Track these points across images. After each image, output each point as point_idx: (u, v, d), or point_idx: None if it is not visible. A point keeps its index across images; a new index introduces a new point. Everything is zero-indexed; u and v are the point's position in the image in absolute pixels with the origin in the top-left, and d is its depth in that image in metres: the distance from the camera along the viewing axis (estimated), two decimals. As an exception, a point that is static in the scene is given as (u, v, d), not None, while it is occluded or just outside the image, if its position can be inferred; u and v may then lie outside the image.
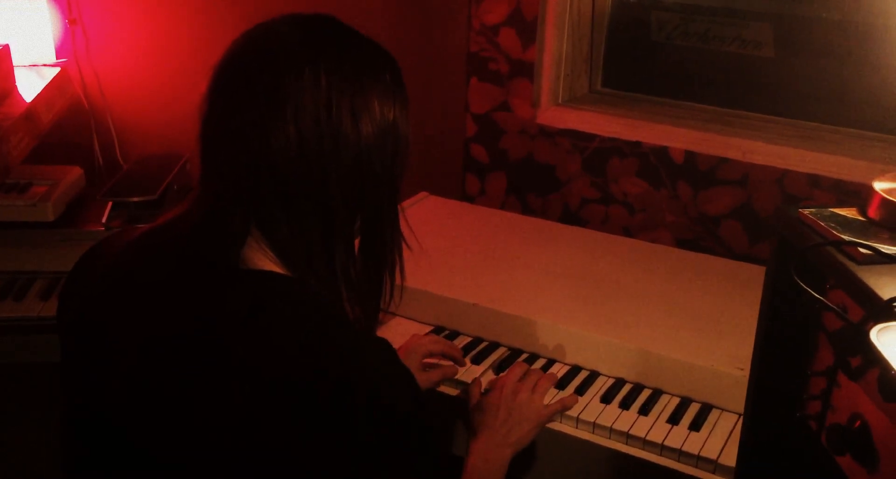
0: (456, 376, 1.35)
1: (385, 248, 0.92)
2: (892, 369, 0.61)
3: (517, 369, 1.27)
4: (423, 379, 1.29)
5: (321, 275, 0.86)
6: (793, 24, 1.82)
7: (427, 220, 1.82)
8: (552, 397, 1.30)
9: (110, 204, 1.84)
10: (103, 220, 1.82)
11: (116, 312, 0.87)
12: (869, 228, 0.84)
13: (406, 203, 1.88)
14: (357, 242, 0.91)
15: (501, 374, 1.31)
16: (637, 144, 1.86)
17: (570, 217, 1.99)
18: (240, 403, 0.78)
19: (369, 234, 0.91)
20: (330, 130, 0.83)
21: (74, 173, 1.95)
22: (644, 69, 2.03)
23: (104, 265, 0.91)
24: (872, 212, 0.86)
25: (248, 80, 0.84)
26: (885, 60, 1.71)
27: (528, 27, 1.92)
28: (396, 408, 0.80)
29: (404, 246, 0.94)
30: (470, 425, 1.19)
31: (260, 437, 0.78)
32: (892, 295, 0.72)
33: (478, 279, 1.54)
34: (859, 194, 0.88)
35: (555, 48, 1.93)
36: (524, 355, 1.41)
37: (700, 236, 1.85)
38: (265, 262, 0.85)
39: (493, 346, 1.44)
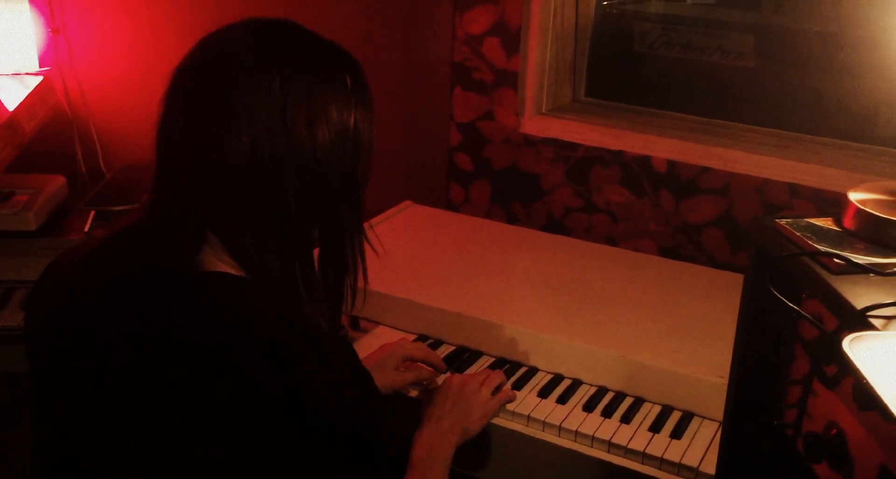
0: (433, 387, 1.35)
1: (345, 253, 0.91)
2: (863, 378, 0.61)
3: (471, 375, 1.28)
4: (397, 379, 1.29)
5: (278, 279, 0.86)
6: (773, 35, 1.84)
7: (411, 228, 1.82)
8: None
9: (93, 213, 1.84)
10: (86, 229, 1.81)
11: (80, 321, 0.87)
12: (844, 238, 0.85)
13: (390, 212, 1.88)
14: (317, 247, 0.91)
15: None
16: (620, 153, 1.88)
17: (554, 226, 2.00)
18: (195, 399, 0.78)
19: (329, 239, 0.91)
20: (284, 137, 0.82)
21: (57, 182, 1.95)
22: (627, 79, 2.04)
23: (66, 276, 0.91)
24: (848, 222, 0.87)
25: (202, 87, 0.84)
26: (863, 70, 1.73)
27: (512, 37, 1.93)
28: (348, 407, 0.81)
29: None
30: (417, 416, 1.19)
31: (212, 432, 0.79)
32: (866, 304, 0.73)
33: (462, 288, 1.55)
34: (838, 203, 0.89)
35: (538, 58, 1.94)
36: (507, 365, 1.41)
37: (682, 245, 1.86)
38: (223, 266, 0.85)
39: (477, 355, 1.44)
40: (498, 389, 1.28)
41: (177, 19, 2.03)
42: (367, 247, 0.95)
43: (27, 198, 1.85)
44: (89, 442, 0.86)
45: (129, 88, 2.09)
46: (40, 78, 2.01)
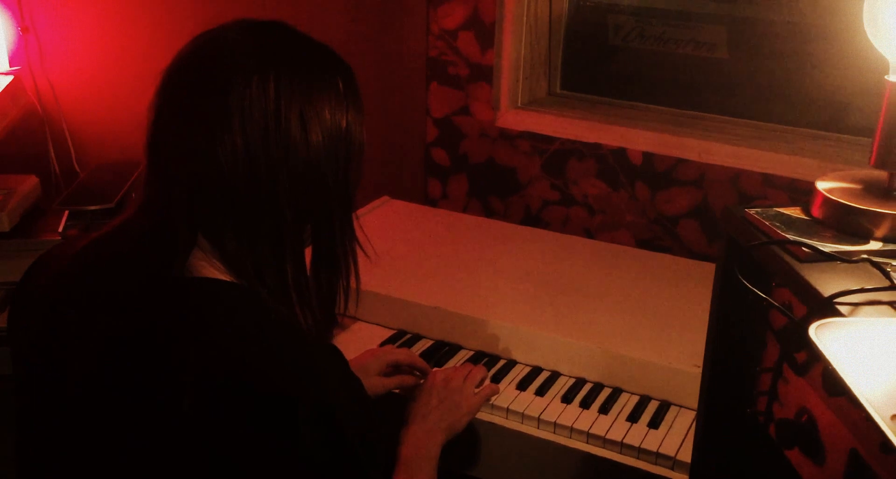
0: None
1: (338, 256, 0.91)
2: (830, 364, 0.62)
3: (453, 368, 1.29)
4: (379, 384, 1.28)
5: (271, 284, 0.85)
6: (745, 27, 1.86)
7: (389, 224, 1.82)
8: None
9: (67, 213, 1.82)
10: (60, 229, 1.80)
11: (66, 324, 0.86)
12: (812, 226, 0.86)
13: (367, 207, 1.88)
14: (309, 250, 0.90)
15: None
16: (596, 145, 1.88)
17: (532, 219, 2.00)
18: (185, 410, 0.77)
19: (321, 242, 0.90)
20: (278, 138, 0.82)
21: (30, 182, 1.93)
22: (602, 72, 2.05)
23: (51, 278, 0.90)
24: (816, 211, 0.88)
25: (195, 88, 0.83)
26: (834, 61, 1.74)
27: (486, 31, 1.93)
28: (340, 418, 0.80)
29: (361, 252, 0.94)
30: (402, 414, 1.19)
31: (205, 445, 0.78)
32: (833, 292, 0.74)
33: (440, 283, 1.55)
34: (810, 192, 0.90)
35: (513, 52, 1.95)
36: (486, 358, 1.42)
37: (658, 236, 1.87)
38: (213, 271, 0.84)
39: (455, 349, 1.45)
40: (481, 383, 1.28)
41: (147, 17, 2.01)
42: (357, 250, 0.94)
43: (0, 198, 1.83)
44: (69, 452, 0.85)
45: (102, 86, 2.06)
46: (10, 77, 1.98)
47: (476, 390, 1.25)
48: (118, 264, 0.86)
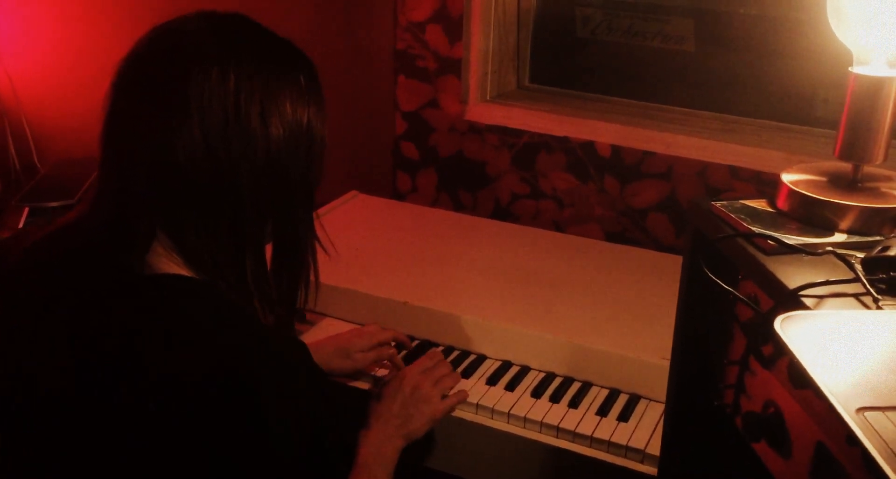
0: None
1: (299, 252, 0.90)
2: (795, 357, 0.62)
3: (425, 360, 1.28)
4: (360, 360, 1.32)
5: (230, 279, 0.84)
6: (713, 20, 1.86)
7: (357, 218, 1.81)
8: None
9: (27, 209, 1.79)
10: (20, 226, 1.76)
11: (20, 324, 0.84)
12: (777, 219, 0.86)
13: (336, 202, 1.86)
14: (269, 246, 0.89)
15: (407, 366, 1.31)
16: (565, 139, 1.88)
17: (501, 212, 1.99)
18: (151, 410, 0.76)
19: (282, 238, 0.89)
20: (238, 131, 0.81)
21: (-11, 179, 1.89)
22: (570, 65, 2.05)
23: (4, 275, 0.87)
24: (781, 203, 0.89)
25: (153, 79, 0.82)
26: (801, 53, 1.76)
27: (454, 24, 1.92)
28: (306, 414, 0.79)
29: (321, 249, 0.93)
30: (364, 413, 1.18)
31: (173, 443, 0.77)
32: (798, 284, 0.74)
33: (408, 278, 1.54)
34: (777, 185, 0.90)
35: (481, 45, 1.93)
36: (455, 352, 1.41)
37: (627, 229, 1.88)
38: (172, 266, 0.83)
39: (425, 344, 1.44)
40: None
41: (108, 9, 1.97)
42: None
43: (-43, 196, 1.79)
44: (30, 454, 0.83)
45: (62, 79, 2.02)
46: (-32, 71, 1.94)
47: (443, 398, 1.24)
48: (74, 260, 0.84)
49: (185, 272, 0.83)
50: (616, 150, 1.83)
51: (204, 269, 0.83)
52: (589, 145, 1.86)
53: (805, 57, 1.75)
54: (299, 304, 0.93)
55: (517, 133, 1.93)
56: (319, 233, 0.92)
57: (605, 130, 1.85)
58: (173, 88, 0.80)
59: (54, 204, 1.78)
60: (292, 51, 0.89)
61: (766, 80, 1.82)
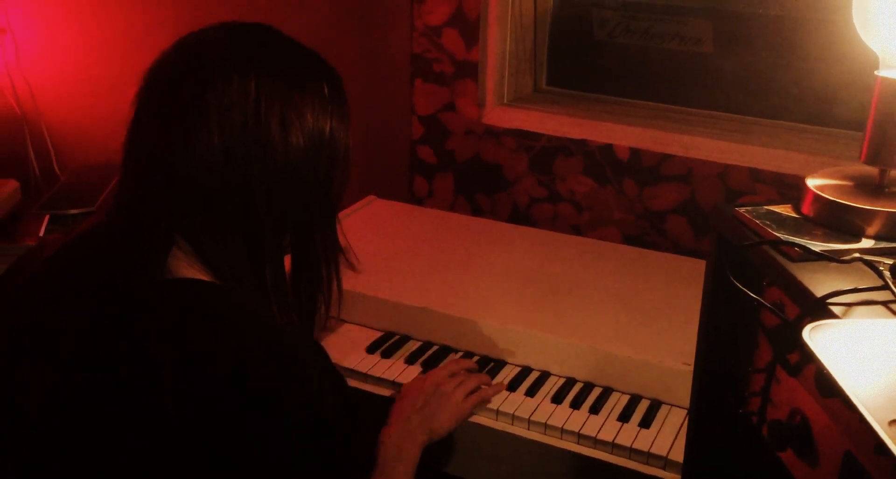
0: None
1: (317, 265, 0.89)
2: (825, 367, 0.61)
3: (452, 365, 1.27)
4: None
5: (249, 287, 0.84)
6: (731, 21, 1.85)
7: (374, 223, 1.81)
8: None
9: (48, 217, 1.79)
10: (41, 233, 1.77)
11: (43, 328, 0.84)
12: (803, 224, 0.85)
13: (353, 207, 1.86)
14: (289, 257, 0.89)
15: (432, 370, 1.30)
16: (583, 142, 1.87)
17: (519, 216, 1.99)
18: (169, 412, 0.76)
19: (301, 250, 0.89)
20: (257, 139, 0.81)
21: (10, 187, 1.89)
22: (588, 67, 2.04)
23: (26, 281, 0.88)
24: (806, 209, 0.87)
25: (175, 87, 0.82)
26: (821, 54, 1.74)
27: (471, 27, 1.91)
28: (324, 414, 0.79)
29: (344, 261, 0.93)
30: (386, 413, 1.17)
31: (191, 445, 0.77)
32: (826, 292, 0.73)
33: (427, 283, 1.53)
34: (799, 187, 0.89)
35: (498, 48, 1.93)
36: (476, 358, 1.40)
37: (646, 232, 1.86)
38: (191, 271, 0.83)
39: (444, 350, 1.43)
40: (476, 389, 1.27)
41: (126, 17, 1.98)
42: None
43: (-21, 203, 1.80)
44: (45, 454, 0.83)
45: (81, 87, 2.03)
46: (-12, 79, 1.96)
47: (467, 397, 1.23)
48: (95, 267, 0.85)
49: (204, 277, 0.83)
50: (634, 152, 1.82)
51: (222, 275, 0.84)
52: (607, 148, 1.85)
53: (825, 58, 1.73)
54: (319, 316, 0.92)
55: (535, 136, 1.92)
56: (344, 245, 0.92)
57: (623, 133, 1.84)
58: (194, 96, 0.81)
59: (74, 211, 1.78)
60: (317, 61, 0.89)
61: (785, 81, 1.81)
